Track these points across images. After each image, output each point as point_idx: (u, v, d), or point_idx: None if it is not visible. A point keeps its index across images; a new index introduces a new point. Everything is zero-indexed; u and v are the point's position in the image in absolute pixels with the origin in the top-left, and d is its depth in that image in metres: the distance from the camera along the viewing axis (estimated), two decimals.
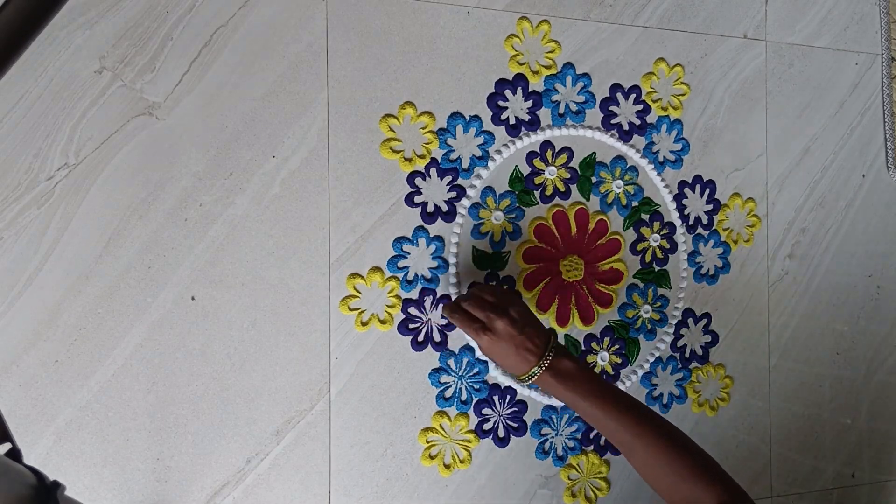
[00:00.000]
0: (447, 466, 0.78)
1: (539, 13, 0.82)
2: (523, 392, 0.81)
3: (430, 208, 0.78)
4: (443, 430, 0.78)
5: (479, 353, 0.78)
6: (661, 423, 0.68)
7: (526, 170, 0.81)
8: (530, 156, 0.82)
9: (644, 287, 0.87)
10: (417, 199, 0.77)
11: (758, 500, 0.92)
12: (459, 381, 0.79)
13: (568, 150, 0.83)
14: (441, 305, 0.77)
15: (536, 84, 0.82)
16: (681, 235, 0.89)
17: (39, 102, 0.66)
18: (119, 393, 0.68)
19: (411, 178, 0.77)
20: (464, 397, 0.79)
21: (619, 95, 0.85)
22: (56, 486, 0.38)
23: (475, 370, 0.79)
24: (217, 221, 0.71)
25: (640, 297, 0.87)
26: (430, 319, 0.78)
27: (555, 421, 0.82)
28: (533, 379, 0.68)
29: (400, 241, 0.77)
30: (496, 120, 0.80)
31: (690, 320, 0.89)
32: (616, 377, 0.85)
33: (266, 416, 0.72)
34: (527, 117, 0.81)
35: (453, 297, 0.78)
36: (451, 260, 0.78)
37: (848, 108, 0.99)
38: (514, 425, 0.81)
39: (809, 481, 0.96)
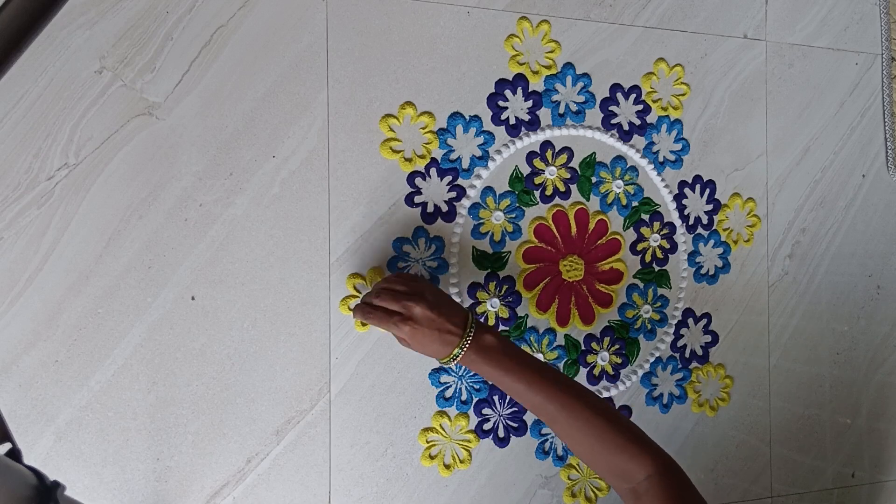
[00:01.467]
0: (447, 466, 0.78)
1: (539, 13, 0.82)
2: None
3: (430, 208, 0.78)
4: (443, 430, 0.78)
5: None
6: (587, 394, 0.67)
7: (526, 170, 0.81)
8: (530, 156, 0.82)
9: (644, 287, 0.87)
10: (417, 199, 0.77)
11: (758, 500, 0.92)
12: (459, 381, 0.79)
13: (568, 150, 0.83)
14: (352, 309, 0.74)
15: (536, 84, 0.82)
16: (681, 235, 0.89)
17: (39, 102, 0.66)
18: (119, 393, 0.68)
19: (411, 178, 0.77)
20: (464, 397, 0.79)
21: (619, 95, 0.85)
22: (56, 486, 0.38)
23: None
24: (217, 221, 0.71)
25: (640, 297, 0.87)
26: None
27: None
28: (456, 360, 0.67)
29: (400, 241, 0.77)
30: (496, 120, 0.80)
31: (690, 320, 0.89)
32: (616, 377, 0.85)
33: (266, 416, 0.72)
34: (527, 117, 0.81)
35: (453, 297, 0.78)
36: (451, 260, 0.78)
37: (848, 108, 0.99)
38: (514, 425, 0.81)
39: (809, 481, 0.96)
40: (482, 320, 0.79)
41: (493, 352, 0.67)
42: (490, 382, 0.70)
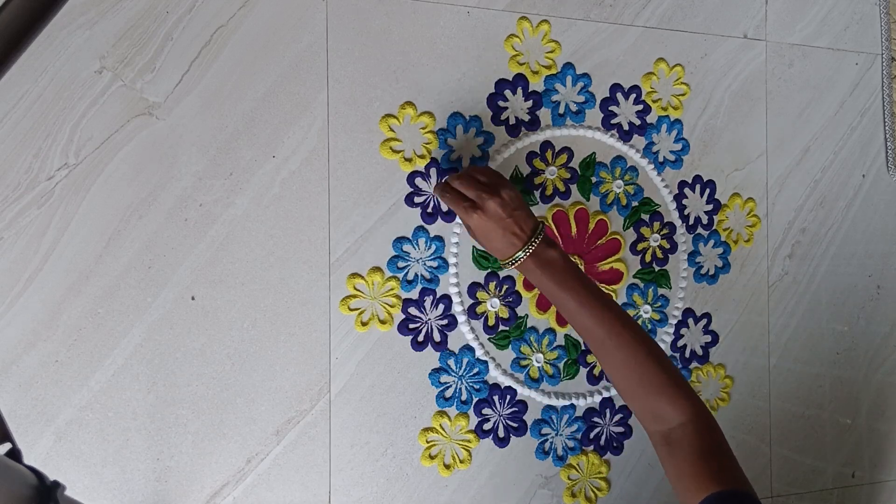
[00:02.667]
0: (447, 466, 0.78)
1: (539, 13, 0.82)
2: (523, 392, 0.81)
3: (430, 208, 0.78)
4: (443, 430, 0.78)
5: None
6: (638, 329, 0.67)
7: (526, 170, 0.81)
8: (530, 156, 0.82)
9: (644, 287, 0.87)
10: (417, 199, 0.77)
11: None
12: (459, 381, 0.79)
13: (568, 150, 0.83)
14: (434, 187, 0.76)
15: (536, 84, 0.82)
16: (681, 235, 0.89)
17: (39, 102, 0.66)
18: (119, 393, 0.68)
19: (411, 178, 0.77)
20: (464, 397, 0.79)
21: (619, 95, 0.85)
22: (56, 486, 0.38)
23: (475, 370, 0.79)
24: (217, 221, 0.71)
25: (640, 297, 0.87)
26: (430, 319, 0.78)
27: (555, 421, 0.82)
28: (516, 264, 0.67)
29: (400, 241, 0.77)
30: (496, 120, 0.80)
31: (690, 320, 0.89)
32: None
33: (266, 416, 0.72)
34: (527, 117, 0.81)
35: (453, 297, 0.78)
36: (451, 260, 0.78)
37: (848, 108, 0.99)
38: (514, 425, 0.81)
39: (809, 481, 0.96)
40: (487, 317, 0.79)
41: (553, 265, 0.67)
42: (545, 296, 0.70)
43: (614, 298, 0.85)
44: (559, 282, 0.66)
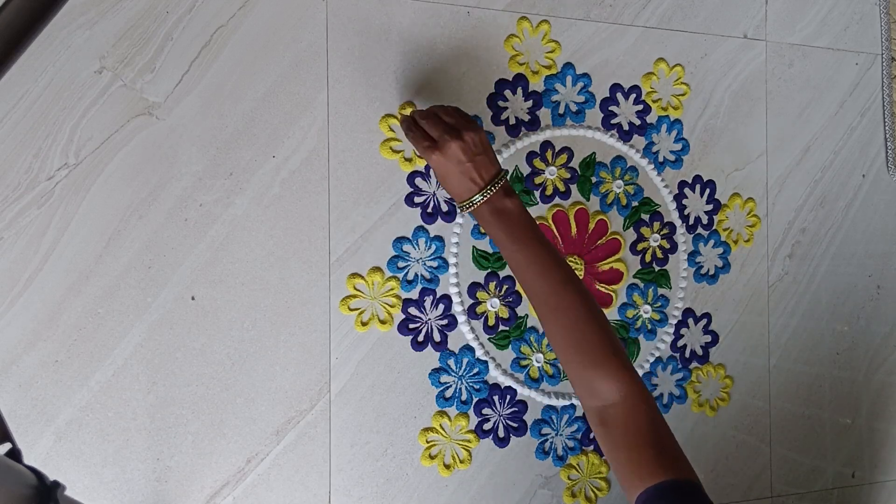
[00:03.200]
0: (447, 466, 0.78)
1: (539, 13, 0.82)
2: (523, 392, 0.81)
3: (430, 208, 0.78)
4: (443, 430, 0.78)
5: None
6: (586, 294, 0.64)
7: (526, 170, 0.81)
8: (530, 156, 0.82)
9: (644, 287, 0.87)
10: (417, 199, 0.77)
11: (758, 500, 0.92)
12: (459, 381, 0.79)
13: (568, 150, 0.83)
14: (399, 119, 0.76)
15: (536, 84, 0.82)
16: (681, 235, 0.89)
17: (39, 102, 0.66)
18: (119, 393, 0.68)
19: (411, 178, 0.77)
20: (464, 397, 0.79)
21: (619, 95, 0.85)
22: (56, 486, 0.38)
23: (475, 370, 0.79)
24: (217, 221, 0.71)
25: (640, 297, 0.87)
26: (430, 319, 0.78)
27: (555, 421, 0.82)
28: (471, 208, 0.66)
29: (400, 241, 0.77)
30: (496, 120, 0.80)
31: (690, 320, 0.89)
32: None
33: (266, 416, 0.72)
34: (527, 117, 0.81)
35: (453, 297, 0.78)
36: (451, 260, 0.78)
37: (848, 108, 0.99)
38: (514, 425, 0.81)
39: (809, 481, 0.96)
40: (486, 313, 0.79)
41: (508, 215, 0.65)
42: (497, 247, 0.68)
43: (614, 299, 0.85)
44: (510, 233, 0.65)
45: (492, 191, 0.65)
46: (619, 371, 0.61)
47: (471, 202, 0.66)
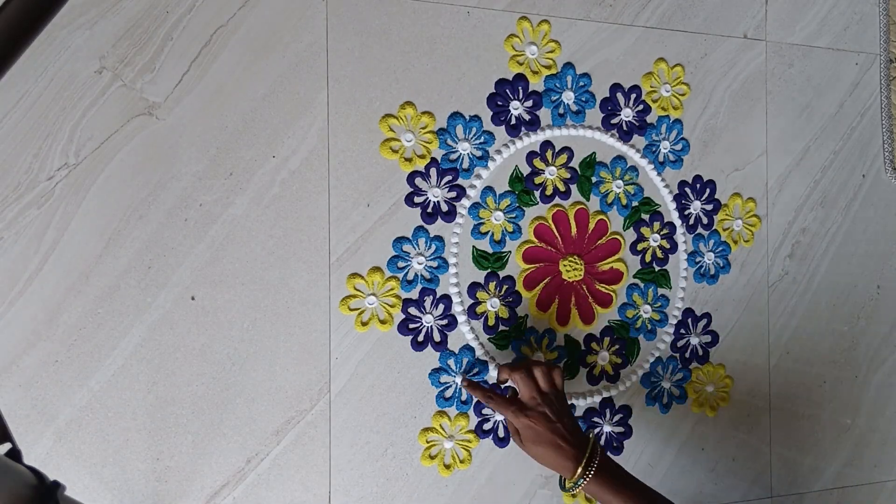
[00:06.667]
0: (447, 466, 0.78)
1: (539, 13, 0.82)
2: None
3: (430, 208, 0.78)
4: (443, 430, 0.78)
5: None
6: None
7: (526, 170, 0.81)
8: (530, 156, 0.82)
9: (644, 287, 0.87)
10: (417, 199, 0.77)
11: (758, 500, 0.92)
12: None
13: (568, 150, 0.83)
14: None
15: (536, 84, 0.82)
16: (681, 235, 0.89)
17: (39, 102, 0.66)
18: (119, 393, 0.68)
19: (411, 178, 0.77)
20: (464, 397, 0.79)
21: (619, 95, 0.85)
22: (56, 486, 0.38)
23: (475, 370, 0.79)
24: (217, 221, 0.71)
25: (640, 297, 0.87)
26: (430, 320, 0.78)
27: None
28: (580, 486, 0.67)
29: (400, 241, 0.77)
30: (496, 120, 0.80)
31: (690, 320, 0.89)
32: (616, 377, 0.85)
33: (266, 416, 0.72)
34: (527, 117, 0.81)
35: (453, 297, 0.78)
36: (451, 260, 0.78)
37: (848, 108, 0.99)
38: None
39: (809, 481, 0.96)
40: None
41: (612, 482, 0.67)
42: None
43: (614, 299, 0.85)
44: (618, 494, 0.67)
45: (593, 466, 0.67)
46: None
47: (576, 483, 0.67)
